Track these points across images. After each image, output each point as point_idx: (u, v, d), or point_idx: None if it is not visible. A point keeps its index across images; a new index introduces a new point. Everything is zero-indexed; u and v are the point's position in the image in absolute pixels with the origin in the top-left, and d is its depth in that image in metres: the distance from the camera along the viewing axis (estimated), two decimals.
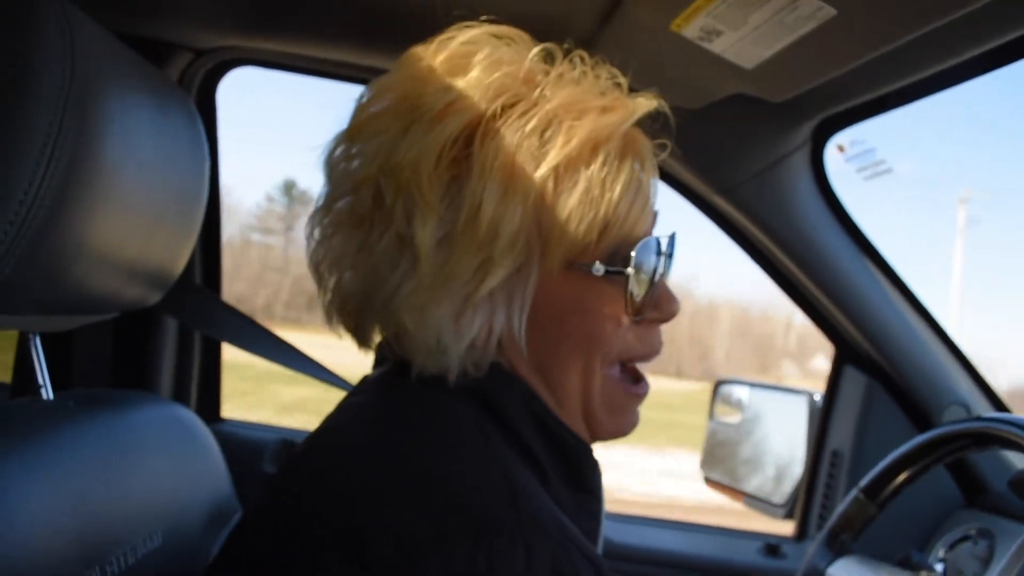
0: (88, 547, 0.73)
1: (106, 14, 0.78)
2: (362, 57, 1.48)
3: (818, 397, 1.87)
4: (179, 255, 0.96)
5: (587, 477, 0.73)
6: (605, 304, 0.70)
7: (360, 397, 0.74)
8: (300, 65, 1.59)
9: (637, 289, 0.70)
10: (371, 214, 0.67)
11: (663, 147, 0.73)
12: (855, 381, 1.76)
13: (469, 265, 0.64)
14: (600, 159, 0.67)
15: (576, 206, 0.65)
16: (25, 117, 0.64)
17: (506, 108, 0.66)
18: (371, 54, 1.46)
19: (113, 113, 0.73)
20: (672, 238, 0.75)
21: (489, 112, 0.65)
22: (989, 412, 1.68)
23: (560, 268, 0.67)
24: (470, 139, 0.65)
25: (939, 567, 1.54)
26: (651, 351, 0.75)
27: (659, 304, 0.73)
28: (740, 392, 2.12)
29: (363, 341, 0.75)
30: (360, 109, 0.71)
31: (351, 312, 0.72)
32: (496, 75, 0.67)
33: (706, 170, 1.55)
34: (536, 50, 0.70)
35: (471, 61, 0.68)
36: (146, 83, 0.83)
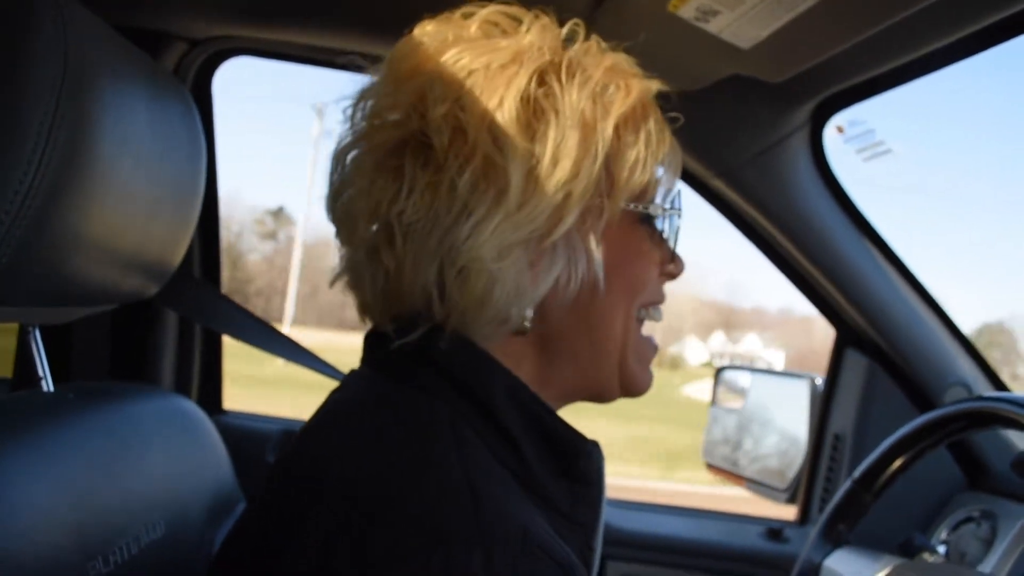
0: (90, 538, 0.73)
1: (100, 4, 0.78)
2: (359, 44, 1.48)
3: (820, 381, 1.88)
4: (177, 246, 0.96)
5: (581, 466, 0.72)
6: (647, 248, 0.75)
7: (340, 394, 0.74)
8: (296, 54, 1.59)
9: (673, 235, 0.77)
10: (447, 149, 0.66)
11: (672, 121, 0.78)
12: (856, 364, 1.77)
13: (550, 204, 0.65)
14: (652, 115, 0.73)
15: (642, 151, 0.71)
16: (20, 107, 0.64)
17: (571, 62, 0.70)
18: (368, 41, 1.45)
19: (109, 103, 0.73)
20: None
21: (561, 64, 0.69)
22: (989, 392, 1.68)
23: (620, 211, 0.72)
24: (542, 84, 0.68)
25: (942, 549, 1.55)
26: (663, 298, 0.80)
27: (675, 257, 0.79)
28: (742, 377, 2.13)
29: (369, 307, 0.74)
30: (398, 62, 0.71)
31: (396, 265, 0.68)
32: (549, 35, 0.71)
33: (704, 152, 1.55)
34: (570, 23, 0.74)
35: (518, 26, 0.71)
36: (141, 73, 0.83)
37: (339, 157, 0.72)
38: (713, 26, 1.11)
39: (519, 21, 0.72)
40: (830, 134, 1.54)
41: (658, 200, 0.76)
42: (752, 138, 1.51)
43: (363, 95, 0.72)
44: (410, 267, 0.67)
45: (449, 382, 0.67)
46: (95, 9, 0.75)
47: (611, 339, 0.73)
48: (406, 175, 0.66)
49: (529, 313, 0.69)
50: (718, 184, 1.60)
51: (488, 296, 0.65)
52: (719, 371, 2.17)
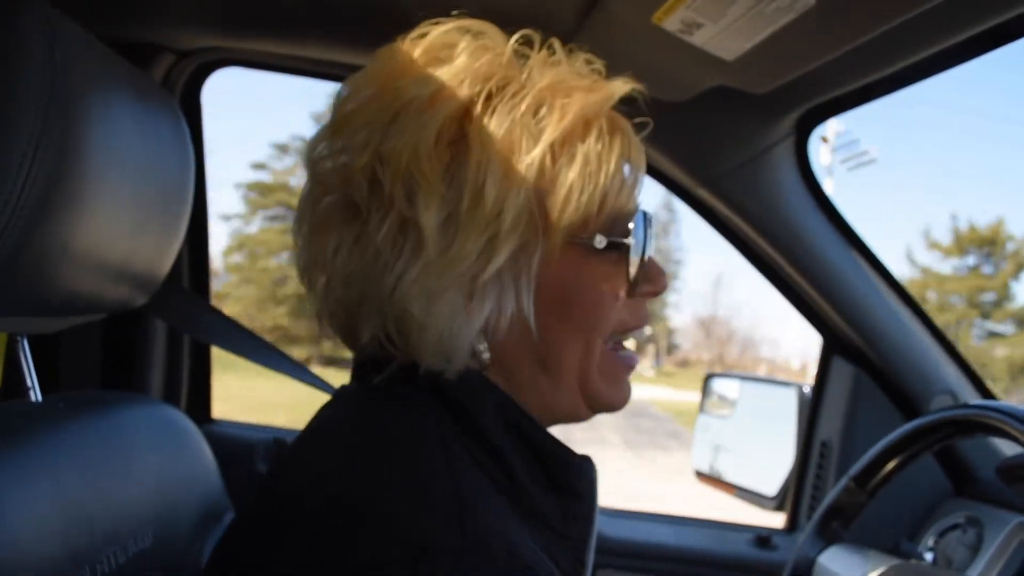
0: (78, 547, 0.73)
1: (88, 17, 0.79)
2: (346, 55, 1.48)
3: (807, 389, 1.89)
4: (165, 257, 0.96)
5: (571, 481, 0.72)
6: (604, 279, 0.71)
7: (329, 411, 0.74)
8: (284, 64, 1.59)
9: (634, 262, 0.71)
10: (368, 203, 0.65)
11: (642, 127, 0.74)
12: (843, 371, 1.78)
13: (475, 245, 0.63)
14: (594, 134, 0.68)
15: (576, 179, 0.67)
16: (8, 120, 0.64)
17: (498, 90, 0.67)
18: (354, 52, 1.46)
19: (97, 115, 0.73)
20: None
21: (483, 93, 0.66)
22: (975, 399, 1.69)
23: (562, 244, 0.68)
24: (464, 120, 0.65)
25: (928, 555, 1.56)
26: (642, 323, 0.76)
27: (651, 277, 0.74)
28: (730, 385, 2.14)
29: (354, 343, 0.73)
30: (340, 105, 0.70)
31: (345, 313, 0.70)
32: (483, 59, 0.67)
33: (690, 162, 1.56)
34: (517, 36, 0.71)
35: (453, 51, 0.68)
36: (130, 85, 0.83)
37: (301, 205, 0.72)
38: (697, 38, 1.12)
39: (453, 46, 0.69)
40: (815, 144, 1.55)
41: (628, 223, 0.71)
42: (737, 148, 1.52)
43: (318, 137, 0.71)
44: (356, 314, 0.68)
45: (438, 400, 0.67)
46: (82, 21, 0.76)
47: (566, 371, 0.71)
48: (333, 235, 0.67)
49: (482, 348, 0.68)
50: (703, 193, 1.61)
51: (422, 342, 0.65)
52: (708, 378, 2.18)
